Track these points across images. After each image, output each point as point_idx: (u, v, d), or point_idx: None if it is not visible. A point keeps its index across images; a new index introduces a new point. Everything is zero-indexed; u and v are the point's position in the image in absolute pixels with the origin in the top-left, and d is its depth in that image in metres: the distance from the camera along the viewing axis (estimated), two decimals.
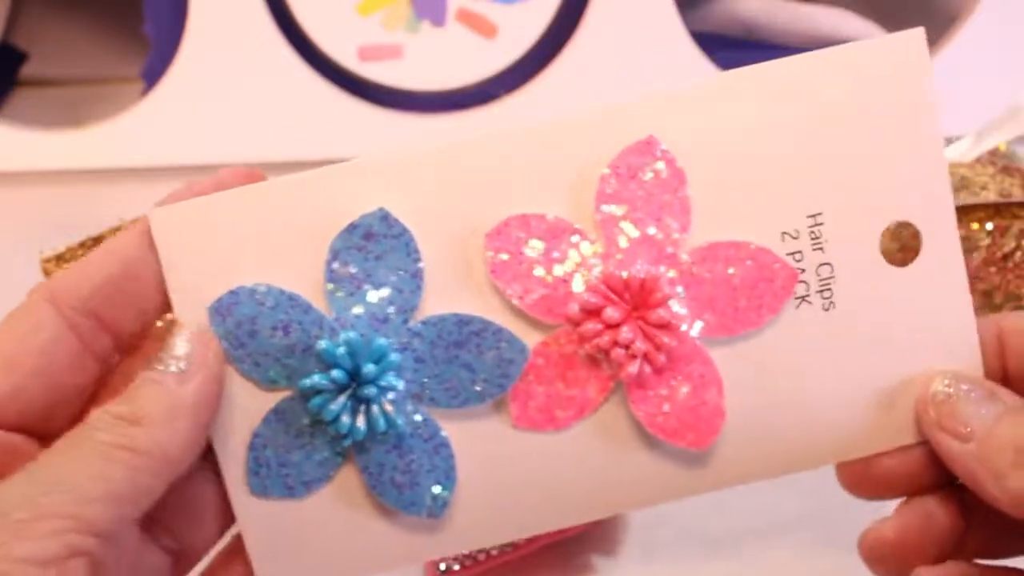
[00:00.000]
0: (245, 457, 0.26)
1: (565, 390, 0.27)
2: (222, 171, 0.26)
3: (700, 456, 0.27)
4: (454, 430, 0.27)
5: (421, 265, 0.26)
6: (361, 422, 0.26)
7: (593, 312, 0.26)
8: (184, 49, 0.60)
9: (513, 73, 0.62)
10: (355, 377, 0.26)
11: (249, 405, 0.26)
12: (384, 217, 0.26)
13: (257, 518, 0.27)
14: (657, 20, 0.61)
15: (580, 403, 0.27)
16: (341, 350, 0.25)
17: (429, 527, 0.27)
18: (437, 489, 0.27)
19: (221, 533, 0.28)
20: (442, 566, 0.38)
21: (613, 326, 0.26)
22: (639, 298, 0.26)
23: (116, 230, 0.43)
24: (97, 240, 0.43)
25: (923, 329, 0.27)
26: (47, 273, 0.43)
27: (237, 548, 0.27)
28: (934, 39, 0.62)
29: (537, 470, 0.27)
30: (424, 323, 0.26)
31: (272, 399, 0.26)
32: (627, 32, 0.61)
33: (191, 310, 0.26)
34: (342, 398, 0.26)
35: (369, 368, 0.25)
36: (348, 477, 0.27)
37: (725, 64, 0.63)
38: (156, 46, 0.61)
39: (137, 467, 0.23)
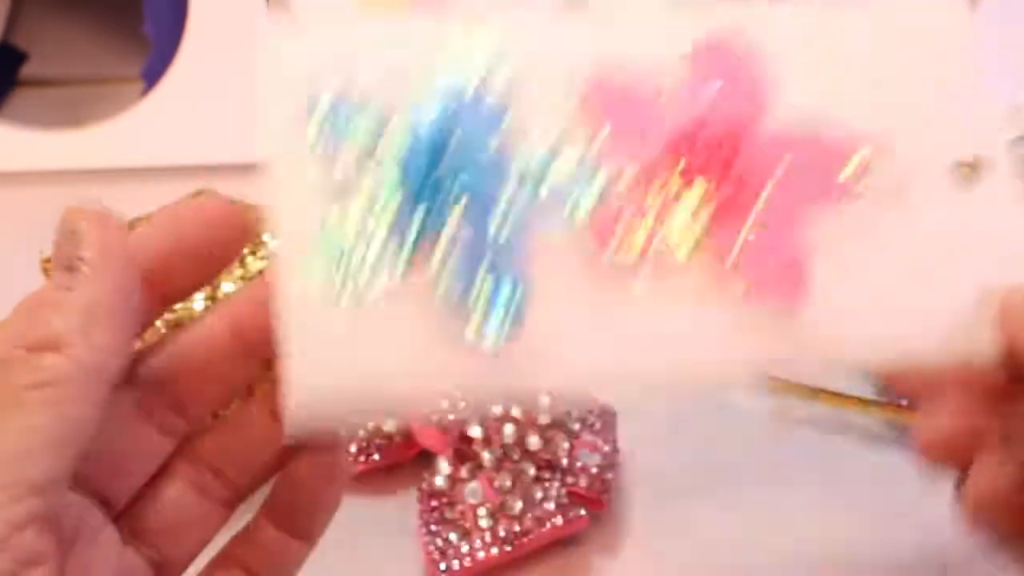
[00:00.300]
0: (308, 245, 0.25)
1: (649, 227, 0.26)
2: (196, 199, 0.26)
3: (785, 320, 0.26)
4: (533, 256, 0.26)
5: (514, 106, 0.26)
6: (445, 216, 0.25)
7: (685, 149, 0.26)
8: (184, 49, 0.60)
9: None
10: (445, 172, 0.25)
11: (323, 191, 0.25)
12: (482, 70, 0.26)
13: (305, 312, 0.25)
14: None
15: (663, 245, 0.26)
16: (437, 137, 0.24)
17: (492, 352, 0.25)
18: (505, 307, 0.25)
19: (202, 546, 0.27)
20: (442, 566, 0.38)
21: (704, 166, 0.27)
22: (727, 150, 0.27)
23: None
24: None
25: (995, 246, 0.28)
26: (47, 273, 0.43)
27: (223, 561, 0.27)
28: None
29: (611, 315, 0.26)
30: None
31: (351, 190, 0.25)
32: None
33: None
34: (428, 187, 0.24)
35: (459, 161, 0.25)
36: (415, 283, 0.25)
37: None
38: (156, 46, 0.61)
39: (62, 400, 0.22)
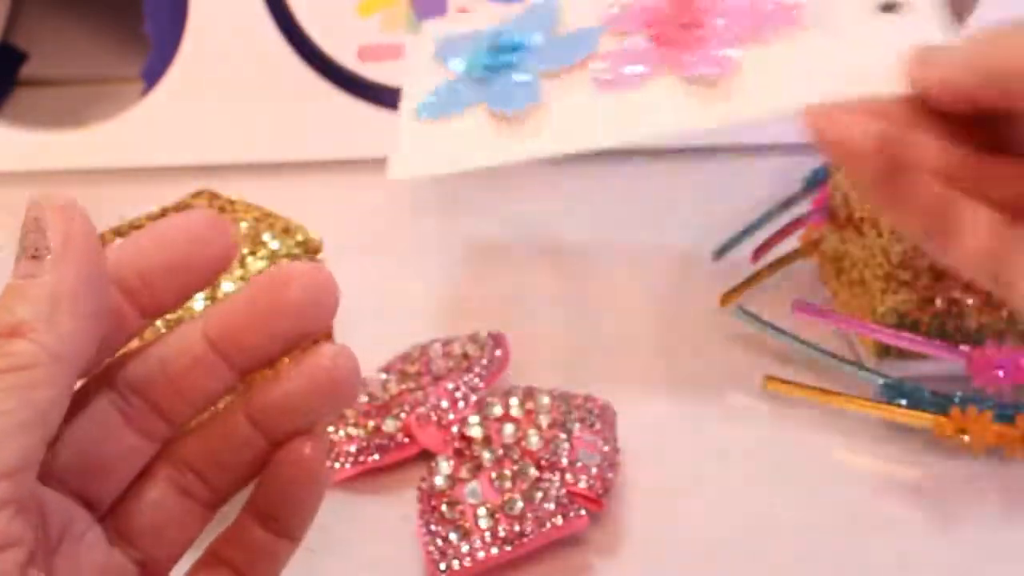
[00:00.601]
0: (423, 99, 0.42)
1: (628, 67, 0.40)
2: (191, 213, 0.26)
3: (724, 88, 0.38)
4: (552, 74, 0.42)
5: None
6: (501, 70, 0.42)
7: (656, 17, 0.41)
8: (184, 49, 0.60)
9: None
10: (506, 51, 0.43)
11: (435, 75, 0.43)
12: None
13: (413, 132, 0.42)
14: None
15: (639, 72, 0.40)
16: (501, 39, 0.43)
17: (521, 133, 0.41)
18: (527, 92, 0.41)
19: (186, 546, 0.27)
20: (442, 566, 0.38)
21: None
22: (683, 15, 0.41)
23: (116, 230, 0.43)
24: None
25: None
26: None
27: (209, 559, 0.27)
28: None
29: (598, 100, 0.40)
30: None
31: (449, 75, 0.43)
32: None
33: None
34: (494, 61, 0.42)
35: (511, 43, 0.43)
36: (479, 109, 0.42)
37: None
38: (156, 46, 0.61)
39: (29, 384, 0.22)
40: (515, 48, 0.43)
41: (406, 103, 0.43)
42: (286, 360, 0.26)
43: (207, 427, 0.27)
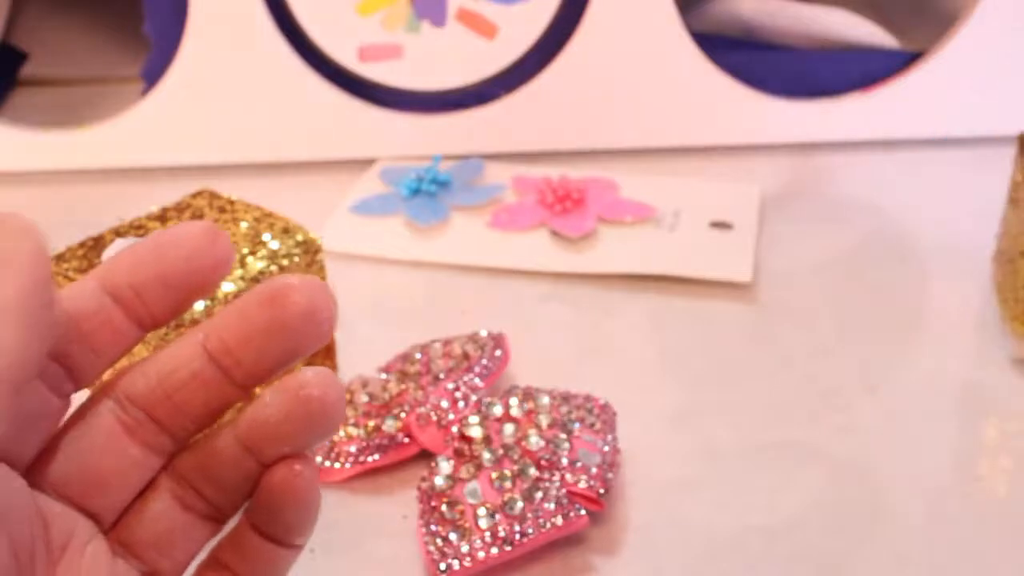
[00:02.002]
0: (360, 200, 0.59)
1: (519, 214, 0.58)
2: (180, 226, 0.26)
3: (583, 245, 0.56)
4: (456, 215, 0.59)
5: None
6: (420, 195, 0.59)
7: (552, 191, 0.59)
8: (184, 49, 0.60)
9: (513, 73, 0.62)
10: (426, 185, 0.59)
11: (374, 189, 0.61)
12: None
13: (345, 220, 0.58)
14: (657, 20, 0.61)
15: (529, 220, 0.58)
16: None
17: (423, 240, 0.57)
18: (437, 214, 0.58)
19: (191, 558, 0.27)
20: (442, 566, 0.38)
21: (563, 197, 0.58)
22: (575, 192, 0.59)
23: (116, 230, 0.43)
24: (98, 240, 0.43)
25: (722, 254, 0.54)
26: None
27: (212, 564, 0.27)
28: (934, 39, 0.62)
29: (488, 237, 0.57)
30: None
31: (384, 190, 0.60)
32: (627, 32, 0.61)
33: None
34: (418, 190, 0.59)
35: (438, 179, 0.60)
36: (398, 216, 0.58)
37: (725, 64, 0.63)
38: (156, 46, 0.61)
39: None
40: (440, 183, 0.59)
41: (346, 201, 0.60)
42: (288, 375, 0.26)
43: (201, 444, 0.27)
